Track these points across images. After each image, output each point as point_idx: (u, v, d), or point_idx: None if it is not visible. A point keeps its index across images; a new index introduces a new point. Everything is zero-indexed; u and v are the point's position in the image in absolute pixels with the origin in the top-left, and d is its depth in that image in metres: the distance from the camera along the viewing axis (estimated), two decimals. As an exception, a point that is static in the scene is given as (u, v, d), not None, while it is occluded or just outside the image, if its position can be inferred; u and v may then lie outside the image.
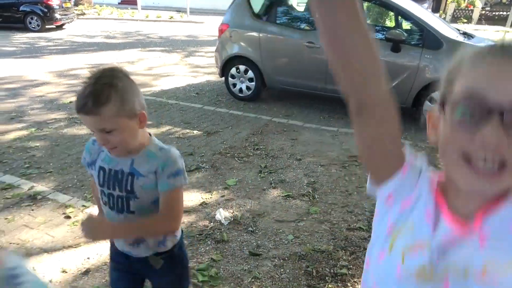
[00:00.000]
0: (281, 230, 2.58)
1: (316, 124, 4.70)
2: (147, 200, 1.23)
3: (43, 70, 7.20)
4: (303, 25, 5.33)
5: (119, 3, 27.87)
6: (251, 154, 3.79)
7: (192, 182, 3.23)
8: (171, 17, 17.21)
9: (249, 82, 5.50)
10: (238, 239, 2.47)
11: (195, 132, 4.38)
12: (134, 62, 8.26)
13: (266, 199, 2.97)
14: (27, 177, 3.23)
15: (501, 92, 0.49)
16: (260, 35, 5.25)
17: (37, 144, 3.94)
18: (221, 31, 5.58)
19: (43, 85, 6.22)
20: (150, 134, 1.28)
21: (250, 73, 5.44)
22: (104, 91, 1.10)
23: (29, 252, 2.32)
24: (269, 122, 4.77)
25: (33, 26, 12.35)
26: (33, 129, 4.33)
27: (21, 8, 12.17)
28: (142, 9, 19.41)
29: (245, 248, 2.39)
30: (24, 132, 4.24)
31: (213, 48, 10.27)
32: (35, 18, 12.31)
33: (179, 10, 23.01)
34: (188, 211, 2.80)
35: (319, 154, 3.84)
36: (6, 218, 2.65)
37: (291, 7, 5.69)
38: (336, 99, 5.14)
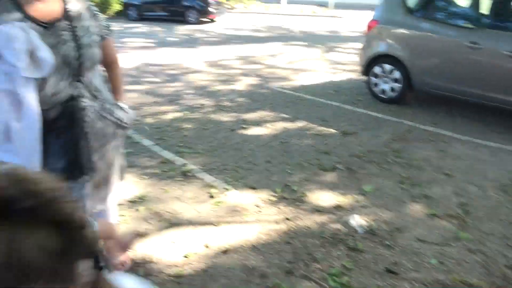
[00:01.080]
0: (422, 251, 2.34)
1: (470, 137, 4.13)
2: None
3: (197, 59, 8.04)
4: (465, 23, 4.71)
5: (264, -2, 29.32)
6: (391, 161, 3.54)
7: (326, 181, 3.19)
8: (314, 12, 17.31)
9: (394, 83, 5.13)
10: (373, 251, 2.33)
11: (331, 130, 4.31)
12: (276, 56, 8.57)
13: (407, 214, 2.74)
14: (180, 155, 3.64)
15: None
16: (412, 32, 4.84)
17: (189, 126, 4.41)
18: (369, 27, 5.33)
19: (197, 73, 6.94)
20: None
21: (396, 74, 5.07)
22: None
23: (179, 222, 2.61)
24: (413, 128, 4.38)
25: (191, 19, 13.90)
26: (186, 112, 4.87)
27: (183, 2, 13.80)
28: (286, 3, 20.02)
29: (380, 262, 2.24)
30: (180, 114, 4.80)
31: (354, 45, 9.98)
32: (194, 12, 13.83)
33: (321, 4, 23.04)
34: (320, 211, 2.77)
35: (473, 172, 3.36)
36: (163, 189, 3.04)
37: (451, 2, 5.08)
38: (499, 109, 4.43)
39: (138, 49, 9.10)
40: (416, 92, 5.16)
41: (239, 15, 17.48)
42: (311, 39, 10.91)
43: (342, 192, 3.02)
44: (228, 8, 17.18)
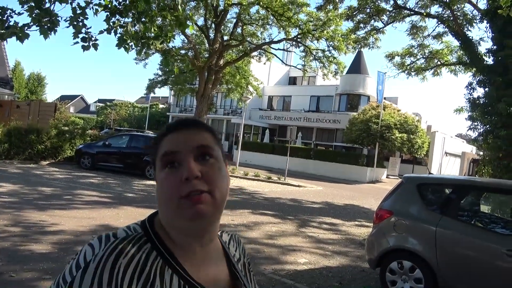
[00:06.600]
0: None
1: None
2: None
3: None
4: (499, 229, 4.50)
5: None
6: None
7: None
8: (269, 178, 17.69)
9: (416, 283, 4.49)
10: None
11: None
12: (251, 227, 7.81)
13: None
14: None
15: None
16: (438, 230, 4.46)
17: None
18: (380, 217, 4.95)
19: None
20: None
21: (418, 273, 4.48)
22: None
23: None
24: None
25: (150, 174, 13.25)
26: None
27: (145, 157, 13.37)
28: (238, 165, 20.54)
29: None
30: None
31: (324, 219, 9.69)
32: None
33: (270, 170, 24.06)
34: None
35: None
36: None
37: (478, 203, 5.00)
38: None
39: (92, 207, 7.89)
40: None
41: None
42: (278, 209, 10.53)
43: None
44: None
